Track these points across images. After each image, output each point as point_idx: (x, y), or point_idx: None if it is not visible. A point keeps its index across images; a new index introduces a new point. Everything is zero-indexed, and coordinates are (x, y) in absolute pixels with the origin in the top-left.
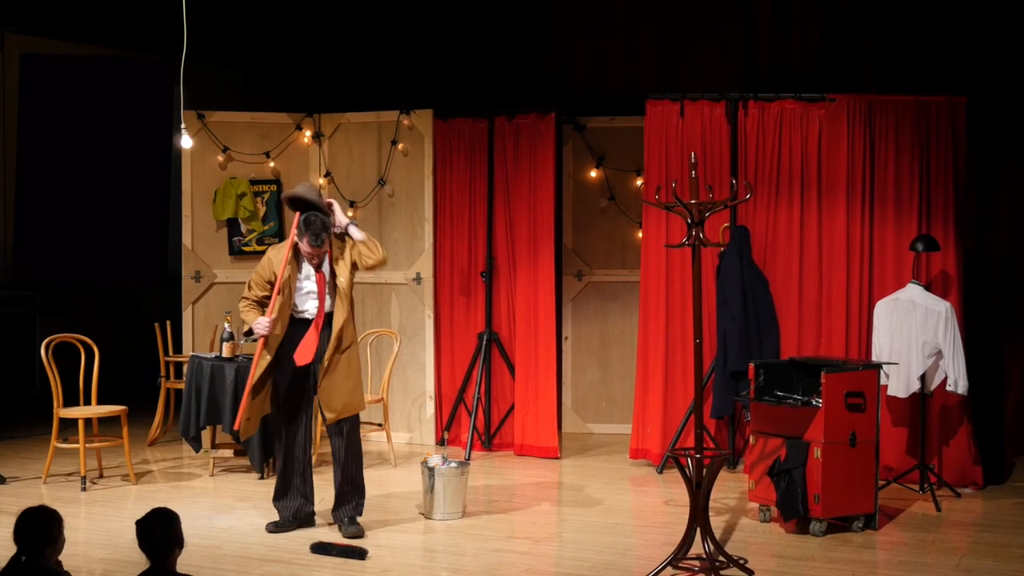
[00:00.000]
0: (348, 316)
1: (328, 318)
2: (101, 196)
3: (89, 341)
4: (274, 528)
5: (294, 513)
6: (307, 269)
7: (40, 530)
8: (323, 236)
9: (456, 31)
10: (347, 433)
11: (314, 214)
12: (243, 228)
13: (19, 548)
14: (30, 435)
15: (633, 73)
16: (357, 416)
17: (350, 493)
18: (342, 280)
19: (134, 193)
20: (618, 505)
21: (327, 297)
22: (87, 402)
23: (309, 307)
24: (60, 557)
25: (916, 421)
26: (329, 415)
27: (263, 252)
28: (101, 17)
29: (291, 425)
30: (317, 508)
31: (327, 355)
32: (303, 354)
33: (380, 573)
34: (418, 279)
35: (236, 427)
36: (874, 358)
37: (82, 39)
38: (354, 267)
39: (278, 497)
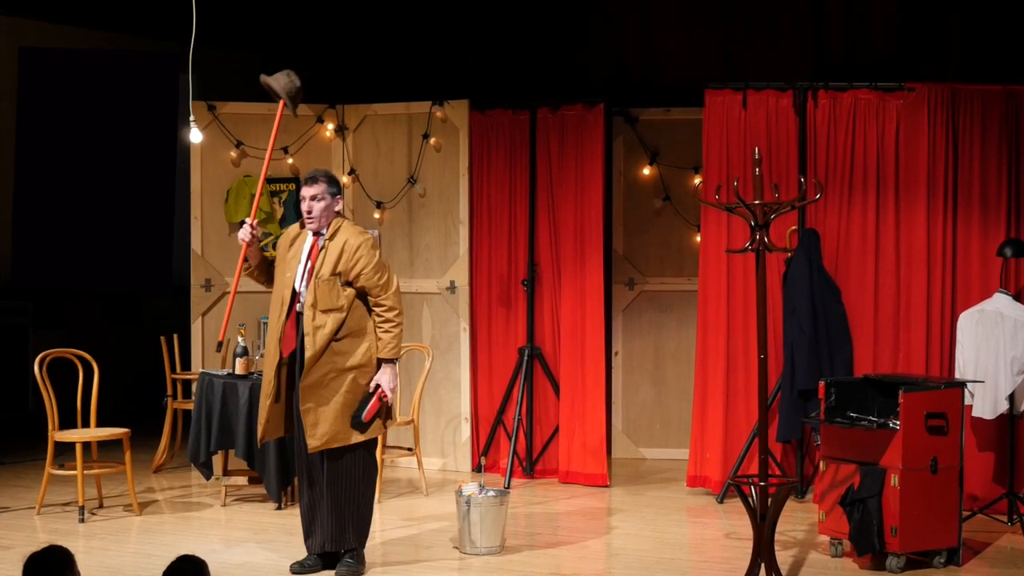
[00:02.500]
0: (335, 326)
1: (299, 318)
2: (102, 196)
3: (87, 356)
4: (299, 569)
5: (320, 549)
6: (309, 241)
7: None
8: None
9: (494, 13)
10: (342, 458)
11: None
12: (258, 231)
13: None
14: (22, 461)
15: (691, 60)
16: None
17: (339, 527)
18: (318, 268)
19: (138, 193)
20: (674, 538)
21: (306, 280)
22: (85, 424)
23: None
24: None
25: (1004, 445)
26: (310, 442)
27: None
28: None
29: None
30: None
31: (306, 366)
32: (287, 343)
33: None
34: (452, 288)
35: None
36: (958, 375)
37: (80, 23)
38: (351, 281)
39: (305, 535)
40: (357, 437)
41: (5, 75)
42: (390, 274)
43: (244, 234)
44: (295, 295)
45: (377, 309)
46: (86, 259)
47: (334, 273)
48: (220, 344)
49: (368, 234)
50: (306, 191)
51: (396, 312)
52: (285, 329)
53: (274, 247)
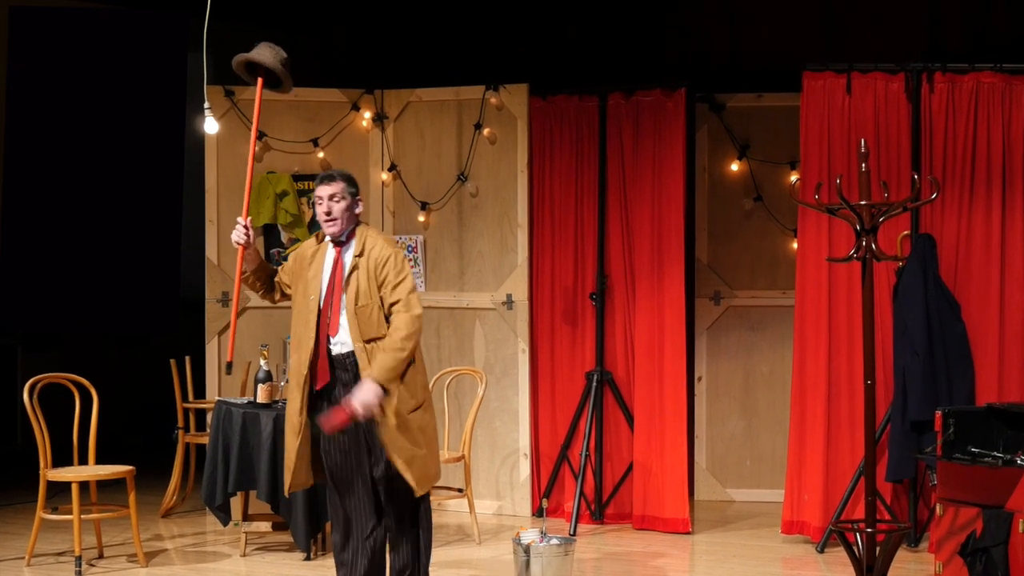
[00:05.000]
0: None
1: (347, 357)
2: (96, 202)
3: (85, 382)
4: None
5: None
6: (331, 255)
7: None
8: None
9: None
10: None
11: None
12: (284, 237)
13: None
14: (10, 502)
15: (786, 37)
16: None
17: None
18: (354, 293)
19: (140, 195)
20: None
21: (332, 300)
22: (83, 461)
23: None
24: None
25: None
26: (398, 462)
27: None
28: None
29: (346, 496)
30: None
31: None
32: (321, 374)
33: None
34: (509, 303)
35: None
36: None
37: None
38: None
39: None
40: (436, 478)
41: None
42: (415, 296)
43: (238, 235)
44: (320, 317)
45: (390, 329)
46: (79, 293)
47: (371, 297)
48: (229, 365)
49: (397, 246)
50: (323, 190)
51: (408, 339)
52: (318, 359)
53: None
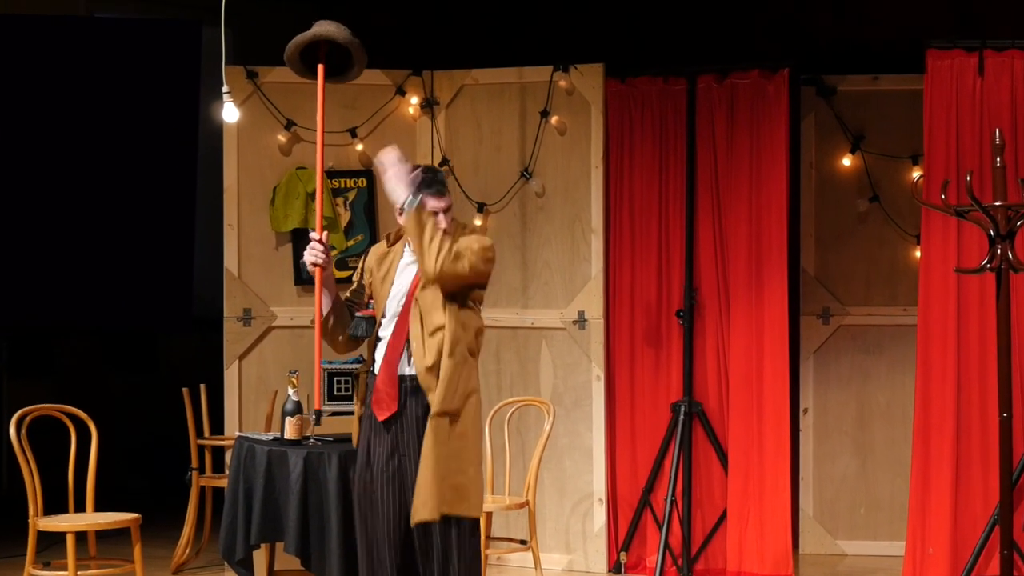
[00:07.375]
0: (456, 365)
1: (412, 380)
2: (97, 196)
3: (82, 415)
4: None
5: None
6: (406, 262)
7: None
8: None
9: None
10: (456, 543)
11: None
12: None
13: None
14: None
15: (908, 9)
16: (477, 522)
17: None
18: (428, 300)
19: (146, 190)
20: None
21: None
22: (79, 507)
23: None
24: None
25: None
26: (420, 512)
27: (347, 279)
28: None
29: (375, 540)
30: None
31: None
32: (382, 404)
33: None
34: (581, 321)
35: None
36: None
37: None
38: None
39: None
40: (476, 511)
41: None
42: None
43: (314, 256)
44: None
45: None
46: (77, 287)
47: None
48: (318, 414)
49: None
50: (436, 204)
51: (461, 258)
52: (377, 383)
53: (337, 266)
